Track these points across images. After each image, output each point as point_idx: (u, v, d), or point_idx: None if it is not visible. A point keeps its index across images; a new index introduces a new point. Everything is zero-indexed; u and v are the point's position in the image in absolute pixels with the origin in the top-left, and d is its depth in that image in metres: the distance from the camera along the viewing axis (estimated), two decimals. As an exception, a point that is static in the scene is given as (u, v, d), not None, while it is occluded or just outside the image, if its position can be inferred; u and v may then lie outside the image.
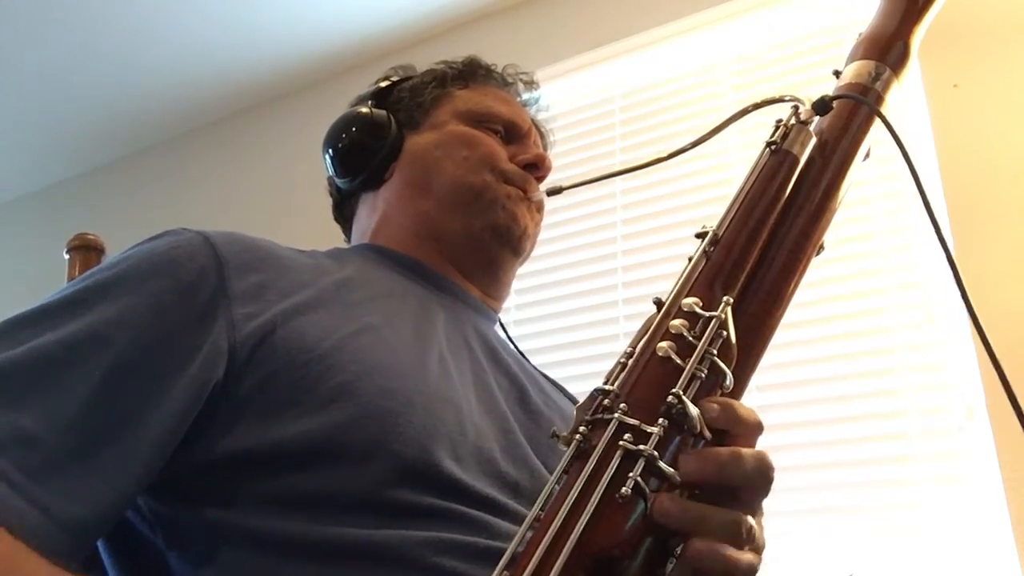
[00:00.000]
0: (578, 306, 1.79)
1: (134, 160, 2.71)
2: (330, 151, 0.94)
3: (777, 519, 1.40)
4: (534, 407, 0.80)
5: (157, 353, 0.60)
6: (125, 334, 0.60)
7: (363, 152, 0.92)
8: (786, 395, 1.51)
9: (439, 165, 0.89)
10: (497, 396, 0.77)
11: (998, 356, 0.59)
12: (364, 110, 0.94)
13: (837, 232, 1.50)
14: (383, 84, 0.98)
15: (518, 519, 0.62)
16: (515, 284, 1.04)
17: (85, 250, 1.18)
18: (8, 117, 2.54)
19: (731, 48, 1.83)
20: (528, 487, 0.69)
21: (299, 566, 0.59)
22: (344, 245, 0.97)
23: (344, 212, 0.99)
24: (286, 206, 2.22)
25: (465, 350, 0.80)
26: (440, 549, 0.60)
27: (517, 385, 0.81)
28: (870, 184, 1.53)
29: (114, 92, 2.46)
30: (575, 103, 1.99)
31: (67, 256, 1.19)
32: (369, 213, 0.93)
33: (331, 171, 0.96)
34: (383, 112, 0.93)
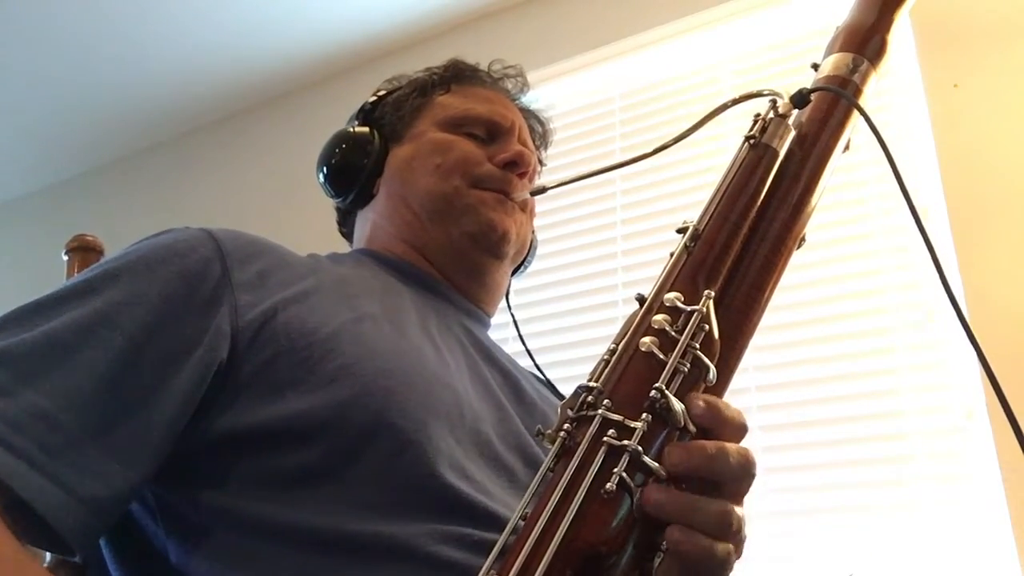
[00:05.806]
0: (578, 306, 1.80)
1: (134, 160, 2.72)
2: (321, 173, 0.96)
3: (777, 519, 1.40)
4: (528, 399, 0.81)
5: (165, 336, 0.62)
6: (134, 318, 0.61)
7: (349, 171, 0.93)
8: (786, 395, 1.50)
9: (414, 176, 0.90)
10: (492, 386, 0.79)
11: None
12: (349, 129, 0.96)
13: (836, 232, 1.52)
14: (370, 100, 0.99)
15: (511, 507, 0.63)
16: (515, 284, 1.04)
17: (84, 251, 1.18)
18: (8, 117, 2.54)
19: (730, 48, 1.83)
20: (522, 473, 0.71)
21: (296, 552, 0.60)
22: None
23: (344, 230, 1.01)
24: (286, 206, 2.22)
25: (459, 346, 0.81)
26: (436, 538, 0.61)
27: (511, 379, 0.83)
28: (869, 184, 1.53)
29: (114, 92, 2.46)
30: (575, 103, 1.99)
31: (66, 257, 1.19)
32: (362, 226, 0.95)
33: (325, 192, 0.97)
34: (366, 129, 0.95)
